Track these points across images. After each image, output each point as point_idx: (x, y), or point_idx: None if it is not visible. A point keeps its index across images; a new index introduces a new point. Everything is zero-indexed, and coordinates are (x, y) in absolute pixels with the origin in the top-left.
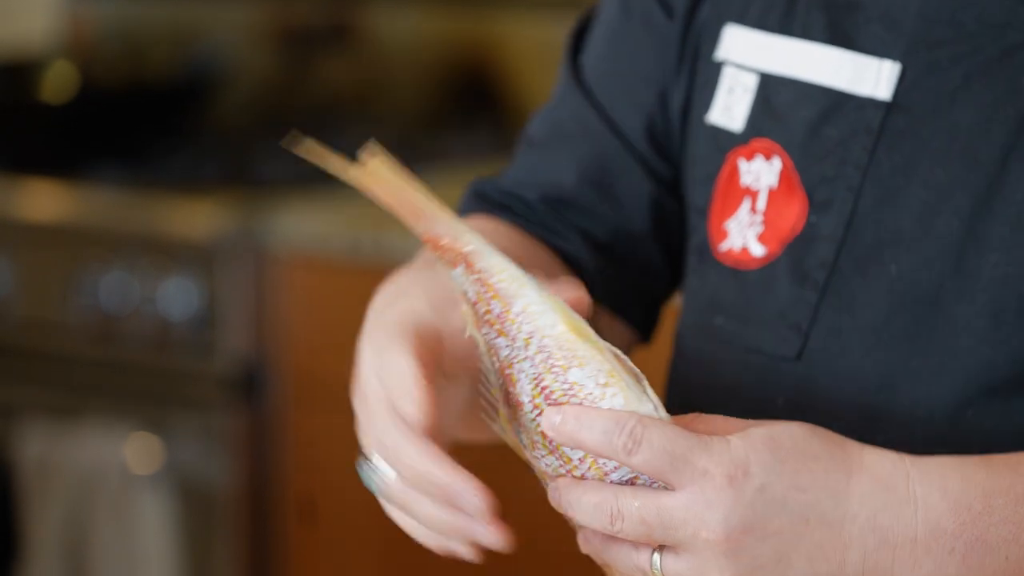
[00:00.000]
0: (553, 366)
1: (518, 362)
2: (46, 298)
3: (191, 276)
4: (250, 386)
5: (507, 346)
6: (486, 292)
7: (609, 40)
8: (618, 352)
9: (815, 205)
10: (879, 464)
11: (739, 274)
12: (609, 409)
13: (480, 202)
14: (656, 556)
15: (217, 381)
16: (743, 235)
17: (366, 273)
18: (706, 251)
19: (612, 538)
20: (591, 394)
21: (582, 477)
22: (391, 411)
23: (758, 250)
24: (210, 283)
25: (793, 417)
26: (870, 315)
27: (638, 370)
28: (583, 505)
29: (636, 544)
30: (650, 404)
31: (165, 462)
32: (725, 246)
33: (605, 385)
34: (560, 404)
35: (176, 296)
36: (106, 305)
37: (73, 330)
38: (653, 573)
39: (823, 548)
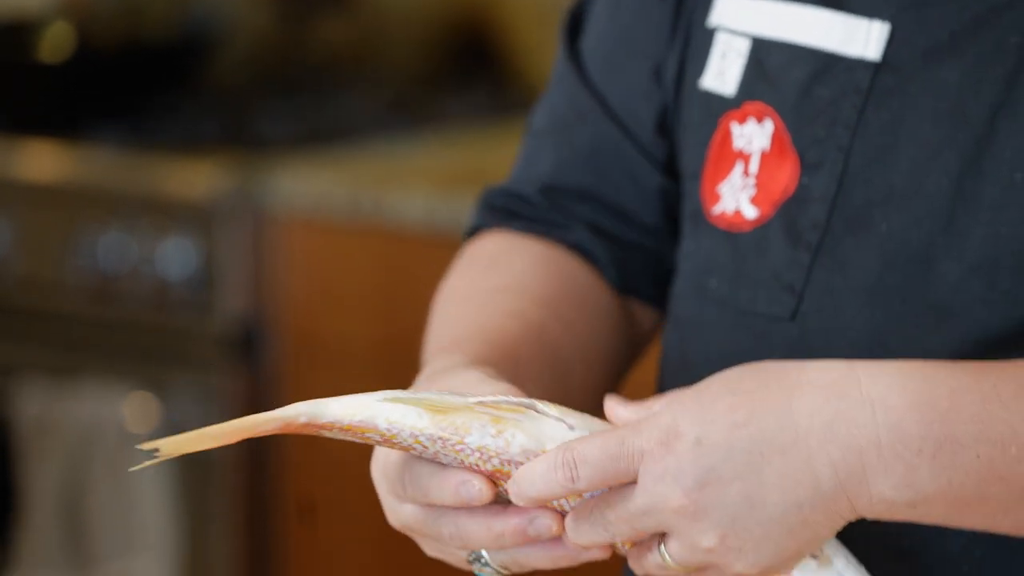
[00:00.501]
0: (455, 446)
1: (443, 461)
2: (44, 258)
3: (189, 236)
4: (248, 346)
5: (420, 453)
6: (357, 434)
7: (605, 24)
8: (486, 399)
9: (807, 166)
10: (824, 376)
11: (732, 237)
12: (542, 455)
13: (489, 213)
14: (662, 547)
15: (215, 341)
16: (736, 198)
17: (365, 233)
18: (699, 216)
19: (638, 547)
20: (498, 447)
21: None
22: (434, 513)
23: (751, 212)
24: (208, 243)
25: None
26: (862, 275)
27: (521, 399)
28: (580, 533)
29: (649, 545)
30: (550, 420)
31: (162, 421)
32: (718, 209)
33: (499, 434)
34: (485, 471)
35: (174, 256)
36: (104, 265)
37: (71, 290)
38: (668, 565)
39: (789, 474)
